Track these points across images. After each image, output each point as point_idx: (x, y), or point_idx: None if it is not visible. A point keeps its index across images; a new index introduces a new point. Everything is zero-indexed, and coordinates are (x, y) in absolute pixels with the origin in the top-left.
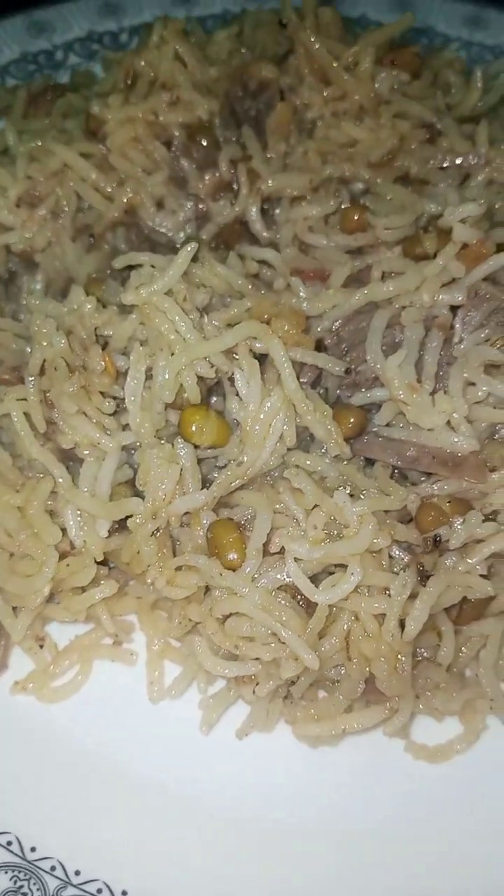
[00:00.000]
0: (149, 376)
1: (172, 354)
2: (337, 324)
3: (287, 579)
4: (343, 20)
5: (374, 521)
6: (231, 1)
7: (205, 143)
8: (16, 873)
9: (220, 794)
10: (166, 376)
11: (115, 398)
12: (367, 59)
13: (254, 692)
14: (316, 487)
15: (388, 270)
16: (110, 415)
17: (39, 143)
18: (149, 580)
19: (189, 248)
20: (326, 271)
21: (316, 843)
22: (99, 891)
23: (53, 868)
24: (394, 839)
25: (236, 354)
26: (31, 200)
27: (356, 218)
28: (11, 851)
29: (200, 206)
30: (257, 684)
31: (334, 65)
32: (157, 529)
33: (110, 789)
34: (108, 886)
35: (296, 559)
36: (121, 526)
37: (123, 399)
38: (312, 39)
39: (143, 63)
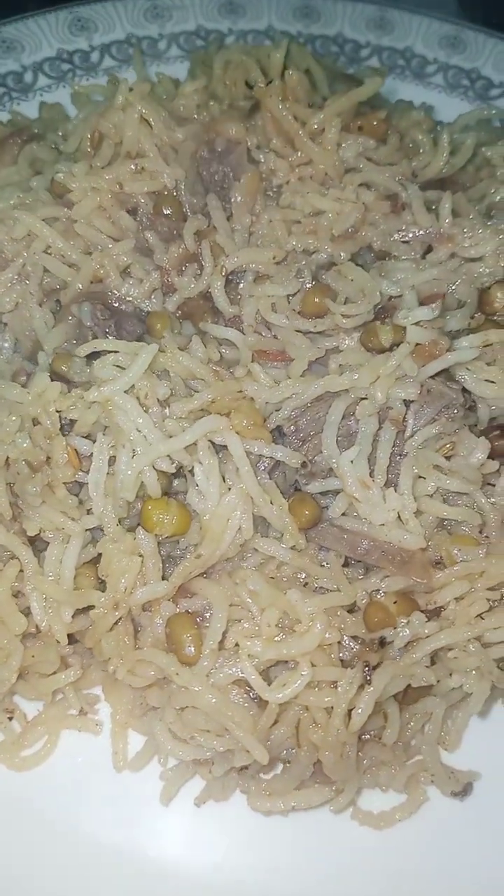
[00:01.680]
0: (112, 462)
1: (134, 453)
2: (295, 412)
3: (241, 674)
4: (311, 74)
5: (325, 620)
6: (206, 17)
7: (170, 213)
8: None
9: (186, 858)
10: (129, 473)
11: (78, 482)
12: (332, 129)
13: (210, 772)
14: (270, 587)
15: (344, 364)
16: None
17: (3, 206)
18: (110, 669)
19: (150, 349)
20: (288, 353)
21: None
22: None
23: None
24: None
25: (197, 445)
26: None
27: (316, 301)
28: None
29: (166, 278)
30: (213, 764)
31: (300, 133)
32: (119, 619)
33: (80, 857)
34: None
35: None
36: (86, 606)
37: (86, 483)
38: (280, 107)
39: (108, 125)
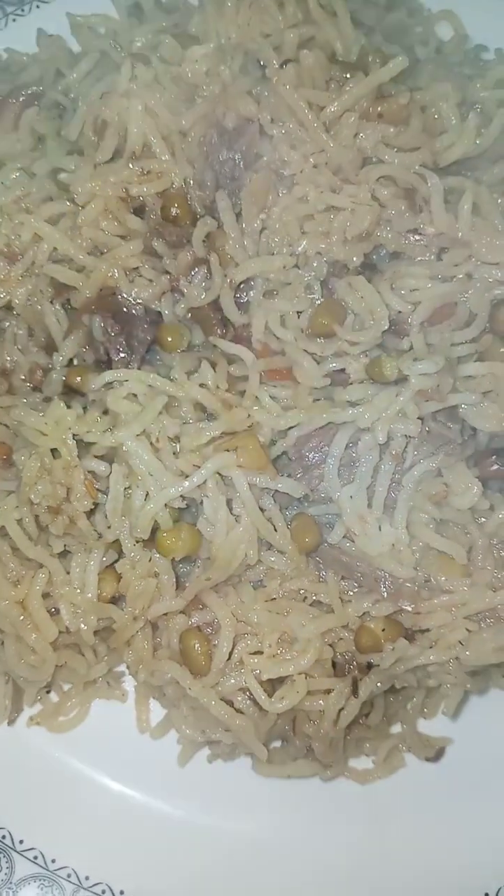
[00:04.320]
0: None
1: (147, 494)
2: (299, 441)
3: (245, 684)
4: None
5: (320, 642)
6: None
7: (178, 214)
8: (41, 881)
9: (198, 810)
10: (143, 513)
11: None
12: (348, 124)
13: (219, 746)
14: (270, 615)
15: (350, 399)
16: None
17: (7, 200)
18: (132, 672)
19: (160, 398)
20: (295, 375)
21: (282, 852)
22: (103, 891)
23: (69, 875)
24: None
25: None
26: (10, 255)
27: (324, 323)
28: (37, 864)
29: (175, 284)
30: (222, 744)
31: (314, 124)
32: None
33: (109, 809)
34: (109, 888)
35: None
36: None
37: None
38: (295, 96)
39: (111, 114)
